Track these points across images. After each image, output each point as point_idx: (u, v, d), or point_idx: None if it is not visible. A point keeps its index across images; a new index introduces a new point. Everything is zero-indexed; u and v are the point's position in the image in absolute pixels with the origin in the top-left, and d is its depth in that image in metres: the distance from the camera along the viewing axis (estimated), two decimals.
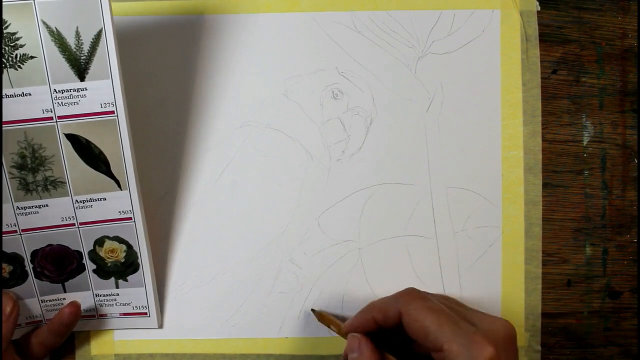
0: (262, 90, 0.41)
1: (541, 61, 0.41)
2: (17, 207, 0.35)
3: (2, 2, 0.32)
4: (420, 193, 0.41)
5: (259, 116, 0.41)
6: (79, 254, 0.37)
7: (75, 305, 0.37)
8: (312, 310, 0.40)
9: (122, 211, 0.36)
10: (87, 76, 0.33)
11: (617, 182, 0.42)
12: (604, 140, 0.42)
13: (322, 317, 0.39)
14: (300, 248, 0.41)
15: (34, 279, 0.37)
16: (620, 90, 0.42)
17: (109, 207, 0.36)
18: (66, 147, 0.35)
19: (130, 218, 0.37)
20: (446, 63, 0.41)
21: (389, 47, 0.41)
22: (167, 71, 0.41)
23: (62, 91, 0.33)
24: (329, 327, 0.39)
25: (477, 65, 0.41)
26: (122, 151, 0.35)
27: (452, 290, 0.41)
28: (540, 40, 0.41)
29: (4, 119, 0.34)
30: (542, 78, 0.41)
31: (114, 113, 0.34)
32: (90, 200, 0.36)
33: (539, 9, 0.41)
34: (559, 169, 0.42)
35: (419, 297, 0.32)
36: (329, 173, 0.41)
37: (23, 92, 0.33)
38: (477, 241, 0.41)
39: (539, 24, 0.41)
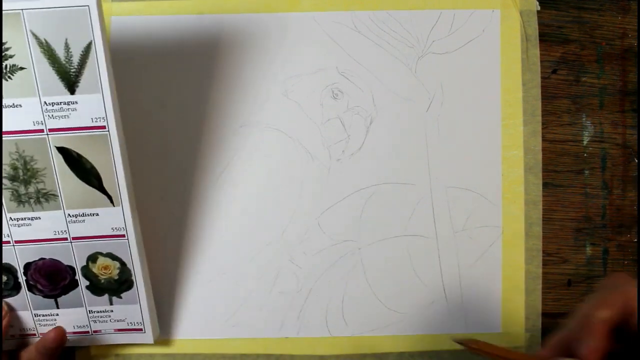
0: (262, 90, 0.41)
1: (541, 61, 0.41)
2: (10, 218, 0.35)
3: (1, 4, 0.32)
4: (420, 193, 0.41)
5: (259, 116, 0.41)
6: (71, 270, 0.36)
7: (59, 331, 0.37)
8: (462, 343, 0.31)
9: (115, 227, 0.36)
10: (78, 89, 0.33)
11: (617, 182, 0.42)
12: (604, 140, 0.42)
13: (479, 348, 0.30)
14: (300, 248, 0.41)
15: (27, 291, 0.37)
16: (620, 90, 0.42)
17: (102, 223, 0.35)
18: (57, 160, 0.34)
19: (124, 235, 0.36)
20: (446, 63, 0.41)
21: (389, 47, 0.41)
22: (166, 71, 0.41)
23: (53, 104, 0.33)
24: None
25: (477, 65, 0.41)
26: (114, 167, 0.34)
27: (452, 290, 0.41)
28: (540, 40, 0.41)
29: None
30: (542, 78, 0.41)
31: (105, 128, 0.33)
32: (83, 215, 0.35)
33: (539, 8, 0.41)
34: (559, 169, 0.42)
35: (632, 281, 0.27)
36: (329, 173, 0.41)
37: (13, 104, 0.33)
38: (477, 241, 0.41)
39: (539, 24, 0.41)
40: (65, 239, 0.36)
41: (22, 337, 0.38)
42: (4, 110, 0.33)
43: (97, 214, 0.35)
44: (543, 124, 0.41)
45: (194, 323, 0.41)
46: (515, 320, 0.41)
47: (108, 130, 0.34)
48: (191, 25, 0.41)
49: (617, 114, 0.42)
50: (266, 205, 0.41)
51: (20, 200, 0.35)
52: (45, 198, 0.35)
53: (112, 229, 0.36)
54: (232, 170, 0.41)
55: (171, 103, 0.41)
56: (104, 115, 0.33)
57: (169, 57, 0.41)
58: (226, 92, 0.41)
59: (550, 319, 0.42)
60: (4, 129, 0.33)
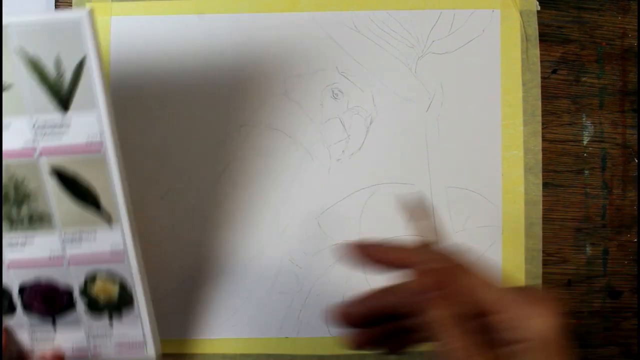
0: (262, 90, 0.41)
1: (541, 61, 0.41)
2: (3, 240, 0.33)
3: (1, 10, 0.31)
4: (420, 193, 0.41)
5: (259, 116, 0.41)
6: (69, 291, 0.35)
7: (58, 353, 0.36)
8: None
9: (114, 248, 0.34)
10: (71, 107, 0.31)
11: (617, 182, 0.42)
12: (604, 140, 0.42)
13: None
14: (300, 248, 0.41)
15: (24, 312, 0.35)
16: (620, 90, 0.42)
17: (100, 244, 0.34)
18: (51, 181, 0.32)
19: (123, 255, 0.34)
20: (446, 63, 0.41)
21: (389, 46, 0.41)
22: (166, 71, 0.41)
23: (44, 123, 0.31)
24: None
25: (477, 65, 0.41)
26: (112, 185, 0.32)
27: None
28: (540, 40, 0.41)
29: None
30: (542, 78, 0.41)
31: (101, 147, 0.31)
32: (80, 236, 0.33)
33: (539, 8, 0.41)
34: (559, 169, 0.42)
35: (468, 267, 0.28)
36: (329, 173, 0.41)
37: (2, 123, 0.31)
38: (477, 241, 0.41)
39: (539, 24, 0.41)
40: (62, 260, 0.34)
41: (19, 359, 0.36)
42: None
43: (95, 235, 0.34)
44: (543, 124, 0.41)
45: (194, 323, 0.41)
46: None
47: (105, 149, 0.32)
48: (191, 25, 0.41)
49: (617, 114, 0.42)
50: (266, 205, 0.41)
51: (12, 221, 0.33)
52: (39, 220, 0.33)
53: (111, 249, 0.34)
54: (232, 170, 0.41)
55: (171, 103, 0.41)
56: (100, 134, 0.31)
57: (169, 57, 0.41)
58: (226, 92, 0.41)
59: None
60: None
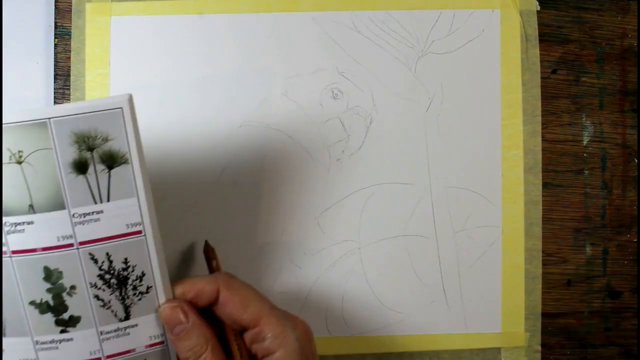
0: (262, 90, 0.41)
1: (541, 61, 0.41)
2: (37, 341, 0.30)
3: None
4: (420, 193, 0.41)
5: (259, 116, 0.41)
6: None
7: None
8: (206, 242, 0.38)
9: (152, 336, 0.32)
10: (111, 196, 0.30)
11: (617, 182, 0.42)
12: (604, 140, 0.42)
13: (210, 254, 0.37)
14: (300, 248, 0.41)
15: None
16: (620, 90, 0.42)
17: (138, 335, 0.32)
18: (88, 272, 0.30)
19: (163, 342, 0.32)
20: (446, 63, 0.41)
21: (389, 46, 0.41)
22: (166, 71, 0.41)
23: (83, 214, 0.30)
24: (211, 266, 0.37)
25: (477, 65, 0.41)
26: (151, 268, 0.31)
27: (452, 290, 0.41)
28: (540, 40, 0.41)
29: (19, 248, 0.29)
30: (542, 78, 0.41)
31: (141, 233, 0.30)
32: (117, 330, 0.31)
33: (538, 8, 0.41)
34: (559, 169, 0.42)
35: (236, 277, 0.33)
36: (329, 173, 0.41)
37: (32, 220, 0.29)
38: (477, 241, 0.41)
39: (539, 24, 0.41)
40: (99, 359, 0.31)
41: None
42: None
43: (136, 325, 0.32)
44: (543, 124, 0.41)
45: None
46: (515, 320, 0.41)
47: (144, 235, 0.31)
48: (191, 25, 0.41)
49: (617, 114, 0.42)
50: (266, 205, 0.41)
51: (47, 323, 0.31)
52: (77, 319, 0.31)
53: (149, 337, 0.32)
54: (232, 170, 0.41)
55: (171, 103, 0.41)
56: (140, 220, 0.30)
57: (168, 57, 0.41)
58: (226, 92, 0.41)
59: (550, 319, 0.42)
60: (31, 246, 0.30)
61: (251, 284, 0.34)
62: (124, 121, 0.29)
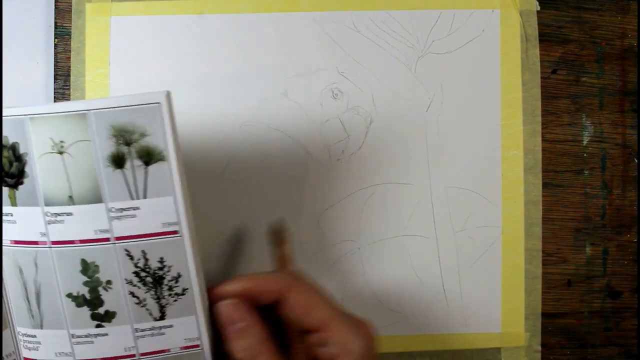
0: (262, 90, 0.41)
1: (541, 61, 0.41)
2: (73, 334, 0.31)
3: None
4: (420, 193, 0.41)
5: (259, 116, 0.41)
6: None
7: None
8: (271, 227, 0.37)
9: (189, 338, 0.32)
10: (148, 193, 0.30)
11: (617, 182, 0.42)
12: (604, 140, 0.42)
13: (277, 241, 0.35)
14: (300, 248, 0.41)
15: None
16: (620, 90, 0.42)
17: (175, 335, 0.31)
18: (124, 269, 0.30)
19: (198, 345, 0.32)
20: (446, 63, 0.41)
21: (389, 46, 0.41)
22: (166, 71, 0.41)
23: (121, 209, 0.30)
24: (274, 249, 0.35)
25: (477, 65, 0.41)
26: (188, 269, 0.31)
27: (452, 290, 0.41)
28: (540, 40, 0.41)
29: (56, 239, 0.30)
30: (542, 78, 0.41)
31: (177, 233, 0.30)
32: (152, 328, 0.31)
33: (538, 8, 0.41)
34: (559, 169, 0.42)
35: (304, 277, 0.32)
36: (329, 173, 0.41)
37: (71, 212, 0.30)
38: (477, 241, 0.41)
39: (539, 24, 0.41)
40: (134, 355, 0.32)
41: None
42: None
43: (172, 326, 0.31)
44: (543, 124, 0.41)
45: None
46: (515, 320, 0.41)
47: (181, 235, 0.30)
48: (191, 25, 0.41)
49: (617, 114, 0.42)
50: (266, 205, 0.41)
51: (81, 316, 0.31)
52: (112, 314, 0.31)
53: (185, 340, 0.32)
54: (232, 170, 0.41)
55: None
56: (177, 220, 0.30)
57: (169, 57, 0.41)
58: (226, 92, 0.41)
59: (550, 319, 0.42)
60: (70, 238, 0.30)
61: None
62: (162, 117, 0.29)
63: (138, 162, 0.29)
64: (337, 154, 0.41)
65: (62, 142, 0.29)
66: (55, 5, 0.41)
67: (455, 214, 0.41)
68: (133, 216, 0.30)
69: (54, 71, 0.41)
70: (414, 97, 0.41)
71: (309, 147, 0.41)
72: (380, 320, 0.41)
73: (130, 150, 0.29)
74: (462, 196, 0.41)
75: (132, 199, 0.29)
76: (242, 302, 0.30)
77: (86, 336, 0.31)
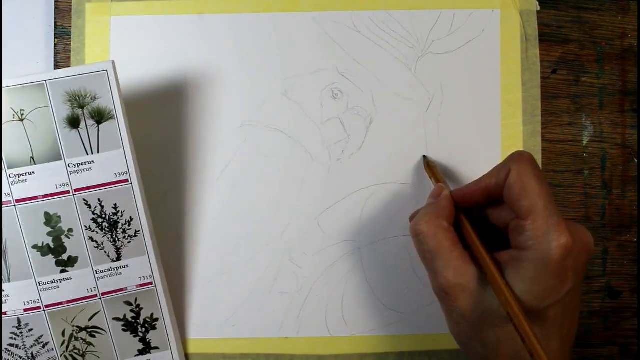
0: (262, 90, 0.41)
1: (541, 61, 0.41)
2: (39, 282, 0.35)
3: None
4: (420, 193, 0.41)
5: (259, 116, 0.41)
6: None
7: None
8: (424, 156, 0.40)
9: (143, 276, 0.37)
10: (100, 148, 0.35)
11: (617, 182, 0.42)
12: (604, 140, 0.42)
13: (429, 166, 0.39)
14: (300, 248, 0.41)
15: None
16: (620, 90, 0.42)
17: (131, 274, 0.36)
18: (83, 217, 0.35)
19: (151, 283, 0.37)
20: (446, 63, 0.41)
21: (389, 46, 0.41)
22: (166, 71, 0.41)
23: (77, 164, 0.34)
24: (430, 178, 0.39)
25: (477, 65, 0.41)
26: (138, 215, 0.35)
27: None
28: (540, 40, 0.41)
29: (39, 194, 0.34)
30: (542, 78, 0.41)
31: (128, 181, 0.35)
32: (110, 269, 0.36)
33: (538, 8, 0.41)
34: (559, 169, 0.42)
35: (531, 161, 0.31)
36: (329, 173, 0.41)
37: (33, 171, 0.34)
38: None
39: (539, 24, 0.41)
40: (95, 296, 0.36)
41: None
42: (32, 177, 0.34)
43: (127, 266, 0.36)
44: (543, 124, 0.41)
45: (193, 323, 0.41)
46: None
47: (131, 183, 0.35)
48: (191, 25, 0.41)
49: (617, 114, 0.42)
50: (266, 205, 0.41)
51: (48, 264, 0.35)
52: (74, 259, 0.35)
53: (139, 278, 0.37)
54: (232, 170, 0.41)
55: (170, 103, 0.41)
56: (127, 170, 0.35)
57: (169, 57, 0.41)
58: (226, 92, 0.41)
59: None
60: (33, 194, 0.34)
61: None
62: (109, 82, 0.33)
63: (91, 122, 0.34)
64: (337, 154, 0.41)
65: (22, 110, 0.33)
66: (55, 5, 0.41)
67: None
68: (89, 169, 0.34)
69: None
70: (414, 97, 0.41)
71: (309, 147, 0.41)
72: (380, 320, 0.41)
73: (84, 112, 0.34)
74: None
75: (88, 154, 0.34)
76: (447, 189, 0.34)
77: (52, 282, 0.35)
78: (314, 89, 0.41)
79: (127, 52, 0.41)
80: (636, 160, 0.42)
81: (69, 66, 0.41)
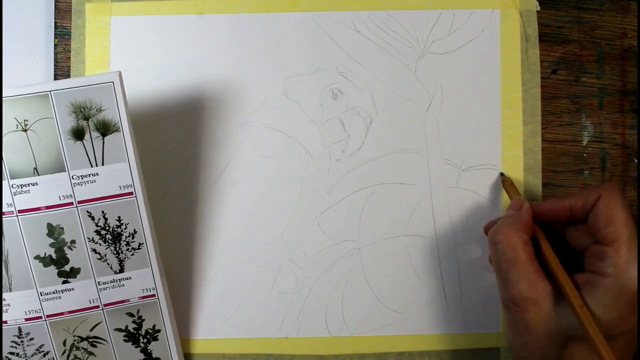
0: (262, 90, 0.41)
1: (541, 61, 0.41)
2: (41, 292, 0.35)
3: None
4: (420, 193, 0.41)
5: (259, 116, 0.41)
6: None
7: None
8: (501, 173, 0.40)
9: (145, 289, 0.36)
10: (105, 160, 0.34)
11: (617, 182, 0.42)
12: (604, 140, 0.42)
13: (505, 183, 0.39)
14: (300, 248, 0.41)
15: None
16: (620, 90, 0.42)
17: (133, 285, 0.36)
18: (87, 229, 0.35)
19: (154, 295, 0.37)
20: (446, 63, 0.41)
21: (389, 47, 0.41)
22: (166, 71, 0.41)
23: (81, 176, 0.34)
24: (507, 193, 0.39)
25: (477, 65, 0.41)
26: (142, 228, 0.35)
27: (452, 290, 0.41)
28: (540, 40, 0.41)
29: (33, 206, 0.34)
30: (542, 78, 0.41)
31: (132, 194, 0.35)
32: (113, 281, 0.36)
33: (538, 8, 0.41)
34: (559, 169, 0.42)
35: (620, 191, 0.32)
36: (329, 173, 0.41)
37: (37, 182, 0.34)
38: (477, 241, 0.41)
39: (539, 24, 0.41)
40: (97, 307, 0.36)
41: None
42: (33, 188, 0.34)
43: (130, 278, 0.36)
44: (543, 124, 0.41)
45: (193, 323, 0.41)
46: None
47: (135, 196, 0.35)
48: (191, 25, 0.41)
49: (616, 114, 0.42)
50: (266, 205, 0.41)
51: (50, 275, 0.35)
52: (77, 270, 0.35)
53: (142, 290, 0.36)
54: (232, 170, 0.41)
55: (170, 103, 0.41)
56: (131, 183, 0.34)
57: (167, 57, 0.41)
58: (226, 92, 0.41)
59: None
60: (36, 205, 0.34)
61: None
62: (115, 94, 0.33)
63: (96, 134, 0.33)
64: (337, 154, 0.41)
65: (25, 120, 0.33)
66: (55, 5, 0.41)
67: (455, 214, 0.41)
68: (93, 181, 0.34)
69: (54, 71, 0.41)
70: (414, 97, 0.41)
71: (308, 147, 0.41)
72: (380, 320, 0.41)
73: (89, 124, 0.33)
74: (462, 196, 0.41)
75: (92, 166, 0.34)
76: (527, 202, 0.35)
77: (54, 292, 0.35)
78: (314, 89, 0.41)
79: (127, 51, 0.41)
80: (636, 160, 0.42)
81: (69, 66, 0.41)
